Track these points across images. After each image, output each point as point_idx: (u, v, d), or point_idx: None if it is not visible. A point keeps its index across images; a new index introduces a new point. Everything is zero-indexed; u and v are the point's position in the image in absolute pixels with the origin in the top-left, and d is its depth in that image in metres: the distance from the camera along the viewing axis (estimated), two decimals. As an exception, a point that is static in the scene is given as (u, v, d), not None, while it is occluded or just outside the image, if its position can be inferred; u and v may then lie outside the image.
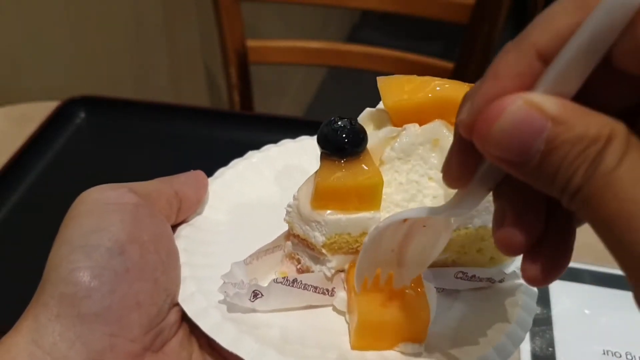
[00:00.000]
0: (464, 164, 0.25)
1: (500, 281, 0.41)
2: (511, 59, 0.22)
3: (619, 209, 0.19)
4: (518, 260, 0.41)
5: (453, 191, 0.34)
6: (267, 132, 0.75)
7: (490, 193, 0.26)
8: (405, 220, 0.32)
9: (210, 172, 0.47)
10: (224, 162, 0.49)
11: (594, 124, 0.20)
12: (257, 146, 0.50)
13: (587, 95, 0.21)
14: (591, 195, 0.20)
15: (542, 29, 0.21)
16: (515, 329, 0.37)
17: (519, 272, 0.40)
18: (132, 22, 1.11)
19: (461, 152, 0.25)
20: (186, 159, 0.74)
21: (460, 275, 0.40)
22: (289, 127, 0.75)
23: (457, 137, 0.24)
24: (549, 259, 0.24)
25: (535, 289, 0.40)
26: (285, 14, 1.71)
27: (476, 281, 0.40)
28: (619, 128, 0.20)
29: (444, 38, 2.53)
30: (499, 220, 0.25)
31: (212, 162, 0.48)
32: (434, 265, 0.39)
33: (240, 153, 0.49)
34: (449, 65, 1.03)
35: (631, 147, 0.20)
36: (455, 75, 1.01)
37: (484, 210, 0.37)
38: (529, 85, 0.21)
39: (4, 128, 0.77)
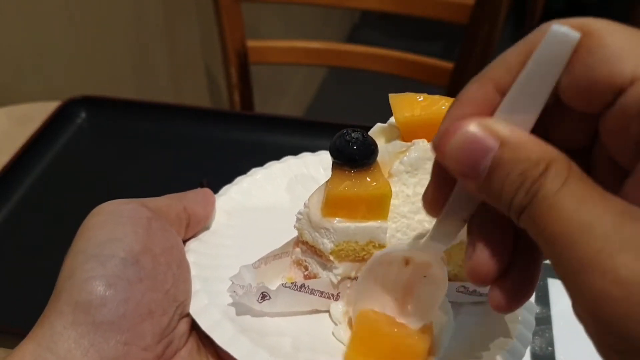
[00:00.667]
0: (439, 189, 0.28)
1: None
2: (473, 89, 0.25)
3: (561, 231, 0.21)
4: None
5: None
6: (267, 132, 0.75)
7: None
8: (407, 264, 0.35)
9: (209, 170, 0.47)
10: (224, 162, 0.49)
11: (538, 150, 0.23)
12: (256, 145, 0.51)
13: (546, 135, 0.24)
14: (536, 215, 0.22)
15: (498, 65, 0.25)
16: (516, 345, 0.38)
17: None
18: (132, 22, 1.12)
19: (437, 177, 0.28)
20: (187, 159, 0.75)
21: (461, 289, 0.40)
22: (289, 127, 0.76)
23: (434, 163, 0.28)
24: (514, 289, 0.27)
25: (533, 305, 0.41)
26: (285, 14, 1.72)
27: (477, 296, 0.41)
28: (560, 157, 0.23)
29: (443, 38, 2.53)
30: (470, 253, 0.27)
31: (213, 162, 0.48)
32: None
33: (240, 153, 0.49)
34: (448, 65, 1.03)
35: (572, 173, 0.22)
36: (455, 75, 1.01)
37: None
38: (489, 113, 0.25)
39: (5, 128, 0.77)
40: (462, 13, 0.97)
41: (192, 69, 1.37)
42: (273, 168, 0.50)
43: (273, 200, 0.48)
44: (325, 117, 0.79)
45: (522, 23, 2.60)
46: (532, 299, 0.41)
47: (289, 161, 0.50)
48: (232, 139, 0.75)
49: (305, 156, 0.51)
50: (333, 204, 0.37)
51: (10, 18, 0.85)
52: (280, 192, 0.49)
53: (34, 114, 0.78)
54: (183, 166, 0.73)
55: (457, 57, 1.02)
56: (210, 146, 0.75)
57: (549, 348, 0.51)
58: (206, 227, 0.44)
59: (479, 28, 0.96)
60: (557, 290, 0.56)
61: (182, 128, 0.78)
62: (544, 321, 0.53)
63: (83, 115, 0.80)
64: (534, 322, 0.40)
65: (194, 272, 0.39)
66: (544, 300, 0.55)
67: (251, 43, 1.07)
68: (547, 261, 0.60)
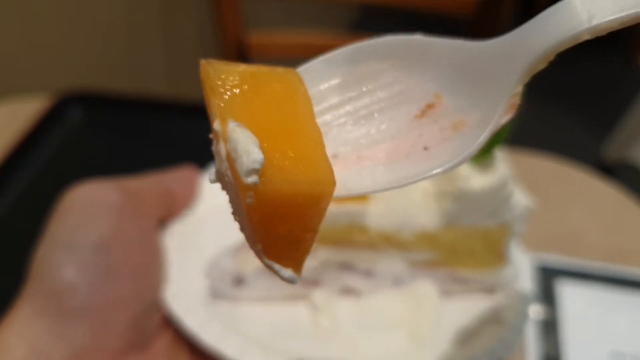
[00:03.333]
0: None
1: (493, 286, 0.41)
2: None
3: None
4: (512, 266, 0.41)
5: (444, 188, 0.36)
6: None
7: None
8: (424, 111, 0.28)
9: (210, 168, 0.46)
10: None
11: None
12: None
13: None
14: None
15: None
16: (509, 334, 0.37)
17: (512, 277, 0.41)
18: (127, 14, 1.11)
19: None
20: (185, 155, 0.73)
21: (450, 277, 0.40)
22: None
23: None
24: None
25: (530, 296, 0.41)
26: (286, 8, 1.71)
27: (467, 285, 0.40)
28: None
29: (448, 32, 2.51)
30: None
31: (212, 158, 0.48)
32: (423, 265, 0.40)
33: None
34: (453, 60, 1.03)
35: None
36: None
37: (473, 209, 0.37)
38: None
39: (-2, 124, 0.76)
40: (467, 6, 0.96)
41: (190, 65, 1.37)
42: None
43: None
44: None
45: (528, 18, 2.58)
46: (529, 293, 0.42)
47: None
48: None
49: None
50: None
51: (1, 13, 0.84)
52: None
53: (26, 110, 0.76)
54: (182, 162, 0.72)
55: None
56: (210, 142, 0.74)
57: (557, 349, 0.50)
58: (190, 208, 0.43)
59: (485, 22, 0.96)
60: (565, 293, 0.56)
61: (182, 124, 0.77)
62: (551, 322, 0.52)
63: (79, 110, 0.78)
64: (528, 313, 0.40)
65: (172, 255, 0.39)
66: (551, 303, 0.54)
67: (251, 38, 1.06)
68: (555, 261, 0.59)
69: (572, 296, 0.55)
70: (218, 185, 0.45)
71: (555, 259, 0.59)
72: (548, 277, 0.56)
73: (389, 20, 2.62)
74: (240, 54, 1.07)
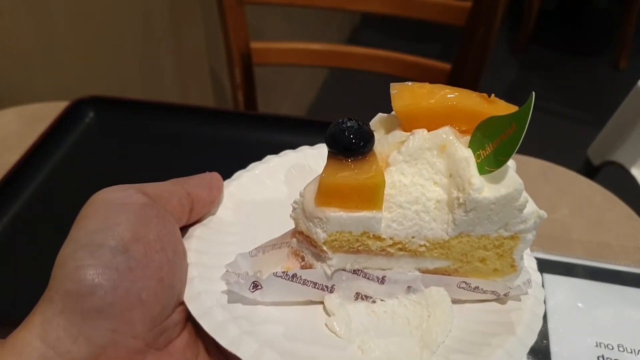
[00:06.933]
0: None
1: (505, 295, 0.40)
2: None
3: None
4: (524, 274, 0.40)
5: (457, 198, 0.35)
6: (270, 131, 0.76)
7: None
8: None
9: (214, 168, 0.48)
10: (228, 159, 0.49)
11: None
12: (260, 144, 0.51)
13: None
14: None
15: None
16: (521, 340, 0.37)
17: (524, 286, 0.40)
18: (139, 25, 1.12)
19: None
20: (192, 157, 0.76)
21: (463, 285, 0.39)
22: (292, 127, 0.76)
23: None
24: None
25: (542, 305, 0.40)
26: (287, 16, 1.72)
27: (480, 293, 0.40)
28: None
29: (441, 40, 2.54)
30: None
31: (217, 160, 0.49)
32: (436, 272, 0.40)
33: (243, 151, 0.50)
34: (446, 66, 1.04)
35: None
36: (453, 75, 1.02)
37: (486, 219, 0.37)
38: None
39: (16, 127, 0.78)
40: (459, 15, 0.98)
41: (198, 70, 1.38)
42: (288, 156, 0.48)
43: (284, 189, 0.46)
44: (326, 116, 0.81)
45: (517, 25, 2.61)
46: (541, 300, 0.40)
47: (305, 150, 0.49)
48: (236, 138, 0.76)
49: (321, 147, 0.49)
50: (326, 193, 0.36)
51: (21, 22, 0.86)
52: (293, 181, 0.47)
53: (44, 114, 0.79)
54: (188, 163, 0.73)
55: (455, 58, 1.03)
56: (216, 144, 0.76)
57: (544, 341, 0.52)
58: (212, 213, 0.42)
59: (476, 30, 0.97)
60: (551, 285, 0.57)
61: (188, 127, 0.79)
62: (540, 316, 0.54)
63: (91, 114, 0.81)
64: (540, 322, 0.39)
65: (192, 258, 0.39)
66: (540, 295, 0.56)
67: (255, 45, 1.08)
68: (542, 256, 0.60)
69: (559, 290, 0.56)
70: (239, 192, 0.46)
71: (543, 254, 0.60)
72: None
73: (386, 27, 2.64)
74: (246, 62, 1.09)
